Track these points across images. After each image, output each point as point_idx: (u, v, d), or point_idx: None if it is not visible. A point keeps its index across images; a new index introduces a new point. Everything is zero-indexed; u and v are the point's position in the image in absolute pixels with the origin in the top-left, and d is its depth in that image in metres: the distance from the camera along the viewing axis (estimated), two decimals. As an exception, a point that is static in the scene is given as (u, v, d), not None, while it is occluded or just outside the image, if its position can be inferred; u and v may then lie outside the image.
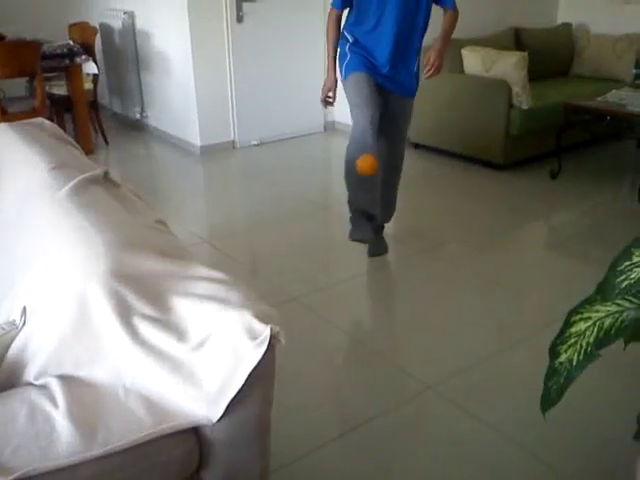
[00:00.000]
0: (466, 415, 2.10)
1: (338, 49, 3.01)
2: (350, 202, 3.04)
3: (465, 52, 4.52)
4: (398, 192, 3.30)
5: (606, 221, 3.72)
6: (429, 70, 2.95)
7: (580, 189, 4.16)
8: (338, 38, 3.00)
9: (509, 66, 4.21)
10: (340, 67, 3.00)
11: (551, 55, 5.28)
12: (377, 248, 3.25)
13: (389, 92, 2.99)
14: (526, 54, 4.26)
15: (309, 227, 3.67)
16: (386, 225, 3.33)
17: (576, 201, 4.01)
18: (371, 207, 3.02)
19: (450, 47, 4.32)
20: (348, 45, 2.96)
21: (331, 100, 3.06)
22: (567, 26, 5.54)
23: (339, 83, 3.01)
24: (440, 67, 2.96)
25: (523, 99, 4.23)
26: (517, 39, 5.18)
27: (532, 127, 4.35)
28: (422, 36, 2.95)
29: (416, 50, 2.96)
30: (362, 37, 2.92)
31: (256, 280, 3.03)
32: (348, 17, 2.98)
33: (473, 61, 4.46)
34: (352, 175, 2.86)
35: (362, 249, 3.24)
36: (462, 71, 4.58)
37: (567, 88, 4.87)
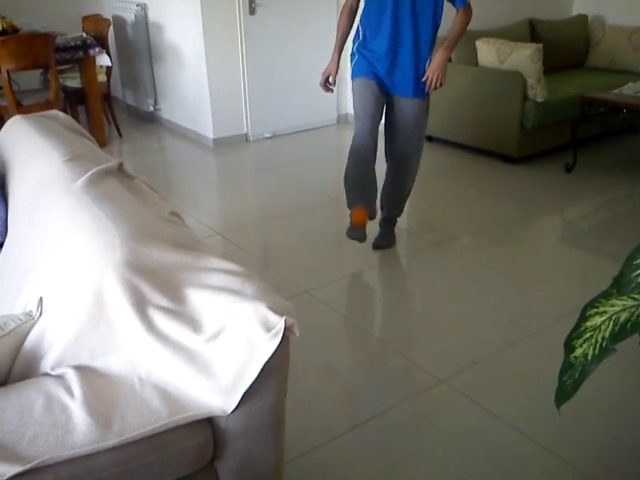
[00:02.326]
0: (478, 409, 2.10)
1: (351, 44, 3.00)
2: (349, 203, 3.05)
3: (479, 44, 4.48)
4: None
5: (622, 215, 3.69)
6: (428, 86, 2.88)
7: (595, 183, 4.13)
8: (349, 26, 3.01)
9: (524, 58, 4.17)
10: (351, 64, 3.01)
11: (566, 47, 5.22)
12: (382, 241, 3.24)
13: (393, 93, 2.95)
14: (541, 46, 4.22)
15: (322, 220, 3.67)
16: (399, 218, 3.32)
17: (591, 195, 3.98)
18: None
19: (465, 39, 4.29)
20: (357, 44, 2.96)
21: (331, 86, 3.04)
22: (582, 17, 5.47)
23: (344, 72, 2.98)
24: (439, 81, 2.86)
25: (538, 91, 4.19)
26: (532, 31, 5.13)
27: (547, 120, 4.31)
28: (433, 35, 2.85)
29: (426, 49, 2.85)
30: (369, 33, 2.90)
31: (268, 272, 3.04)
32: (363, 9, 2.95)
33: (487, 53, 4.43)
34: (349, 180, 3.01)
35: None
36: (476, 63, 4.54)
37: (582, 80, 4.81)
